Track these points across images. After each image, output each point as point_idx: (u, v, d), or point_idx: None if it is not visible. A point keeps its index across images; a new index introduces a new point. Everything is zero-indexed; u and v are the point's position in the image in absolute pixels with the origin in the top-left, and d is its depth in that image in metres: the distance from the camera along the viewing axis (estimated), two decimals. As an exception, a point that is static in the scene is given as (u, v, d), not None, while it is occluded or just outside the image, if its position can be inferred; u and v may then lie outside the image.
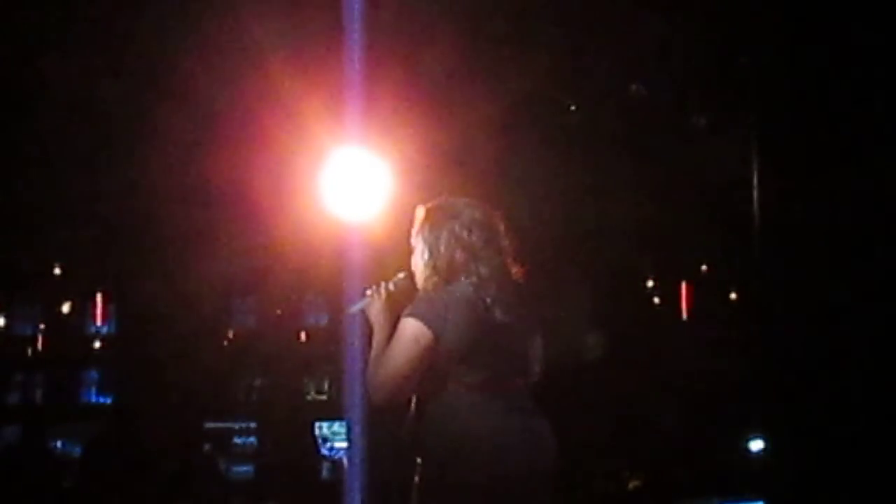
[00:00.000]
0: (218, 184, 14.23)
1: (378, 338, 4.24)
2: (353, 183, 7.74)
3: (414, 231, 4.40)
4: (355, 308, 4.13)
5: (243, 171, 13.16)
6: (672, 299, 21.30)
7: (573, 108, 14.53)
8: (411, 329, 4.14)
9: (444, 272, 4.23)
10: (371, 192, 7.77)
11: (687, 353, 19.84)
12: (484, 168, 12.24)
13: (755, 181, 11.40)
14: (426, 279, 4.24)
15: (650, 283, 21.47)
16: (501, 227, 4.31)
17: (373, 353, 4.08)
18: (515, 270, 4.34)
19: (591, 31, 12.60)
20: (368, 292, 4.32)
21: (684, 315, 21.31)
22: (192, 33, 12.03)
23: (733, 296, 20.65)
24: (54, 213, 18.01)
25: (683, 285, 21.19)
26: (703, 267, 20.70)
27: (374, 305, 4.20)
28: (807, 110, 10.54)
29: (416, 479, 4.29)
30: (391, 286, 4.21)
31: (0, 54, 12.99)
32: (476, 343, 4.13)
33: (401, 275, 4.37)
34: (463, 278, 4.22)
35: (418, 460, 4.26)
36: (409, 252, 4.43)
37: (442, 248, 4.27)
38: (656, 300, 21.65)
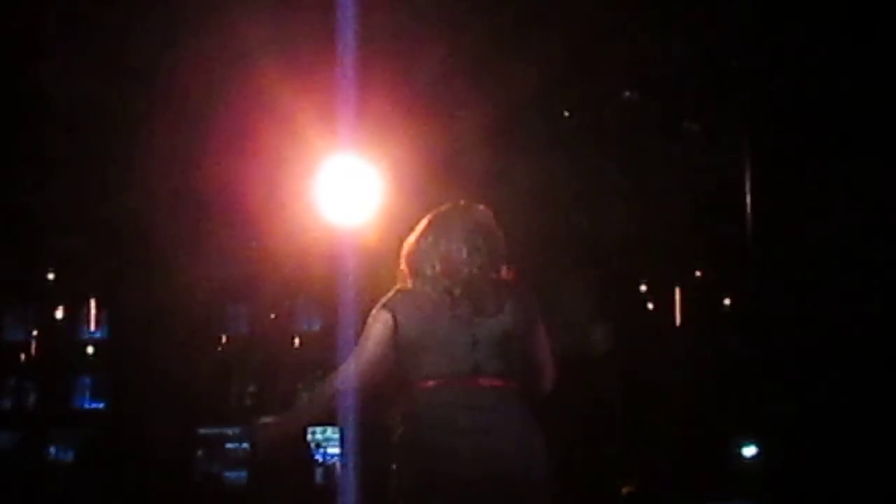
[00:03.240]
0: (211, 190, 14.23)
1: None
2: (345, 189, 7.78)
3: None
4: None
5: (237, 177, 13.17)
6: (665, 305, 21.30)
7: (566, 114, 14.55)
8: (377, 315, 4.28)
9: (411, 274, 4.36)
10: (363, 199, 7.81)
11: (680, 359, 19.85)
12: (476, 175, 12.25)
13: (747, 187, 11.43)
14: (401, 280, 4.37)
15: (643, 289, 21.47)
16: (483, 232, 4.36)
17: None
18: (500, 272, 4.39)
19: (583, 39, 12.62)
20: None
21: (678, 320, 21.31)
22: (187, 43, 12.04)
23: (727, 301, 20.66)
24: (48, 220, 18.00)
25: (677, 291, 21.20)
26: (697, 273, 20.71)
27: None
28: (799, 116, 10.57)
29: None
30: None
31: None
32: (431, 336, 4.19)
33: None
34: (426, 280, 4.32)
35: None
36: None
37: (414, 255, 4.39)
38: (650, 305, 21.66)
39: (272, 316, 29.99)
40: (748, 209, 11.40)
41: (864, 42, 9.71)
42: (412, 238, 4.38)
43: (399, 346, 4.24)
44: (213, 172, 13.48)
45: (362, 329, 4.47)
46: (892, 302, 10.01)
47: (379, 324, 4.26)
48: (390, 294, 4.31)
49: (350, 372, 4.29)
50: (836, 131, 10.10)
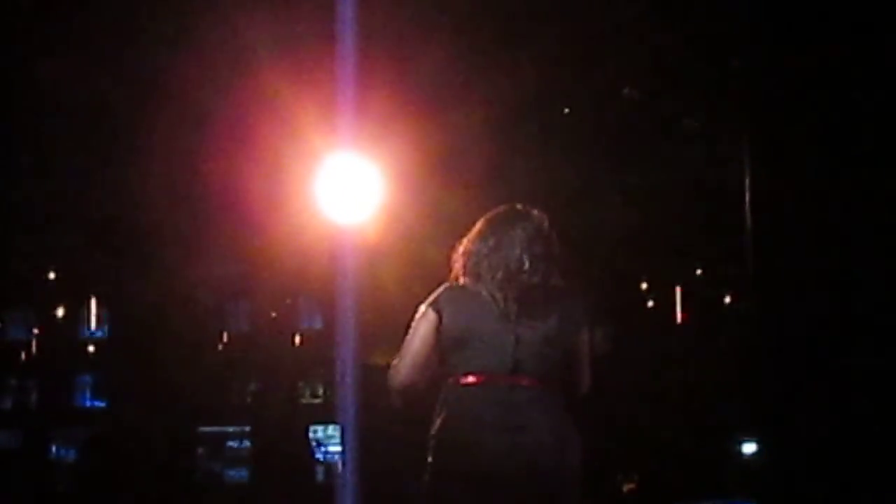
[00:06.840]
0: (212, 189, 14.26)
1: None
2: (345, 187, 7.77)
3: None
4: None
5: (237, 175, 13.19)
6: (666, 303, 21.32)
7: (566, 111, 14.55)
8: (421, 312, 4.33)
9: (466, 273, 4.41)
10: (363, 197, 7.80)
11: (680, 357, 19.87)
12: (476, 173, 12.27)
13: (748, 184, 11.44)
14: (452, 277, 4.43)
15: (644, 287, 21.49)
16: (542, 239, 4.39)
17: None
18: (556, 278, 4.44)
19: (584, 37, 12.63)
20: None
21: (678, 319, 21.33)
22: (187, 41, 12.05)
23: (727, 300, 20.67)
24: (48, 219, 18.03)
25: (677, 289, 21.21)
26: (698, 271, 20.72)
27: None
28: (799, 113, 10.58)
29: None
30: None
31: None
32: (475, 332, 4.23)
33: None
34: (482, 282, 4.36)
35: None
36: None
37: (472, 256, 4.43)
38: (650, 304, 21.67)
39: (272, 314, 29.99)
40: (748, 207, 11.40)
41: (864, 40, 9.72)
42: (470, 238, 4.40)
43: (442, 341, 4.29)
44: (213, 171, 13.50)
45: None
46: (893, 299, 10.03)
47: (425, 322, 4.31)
48: (439, 290, 4.35)
49: (399, 369, 4.33)
50: (836, 129, 10.11)
